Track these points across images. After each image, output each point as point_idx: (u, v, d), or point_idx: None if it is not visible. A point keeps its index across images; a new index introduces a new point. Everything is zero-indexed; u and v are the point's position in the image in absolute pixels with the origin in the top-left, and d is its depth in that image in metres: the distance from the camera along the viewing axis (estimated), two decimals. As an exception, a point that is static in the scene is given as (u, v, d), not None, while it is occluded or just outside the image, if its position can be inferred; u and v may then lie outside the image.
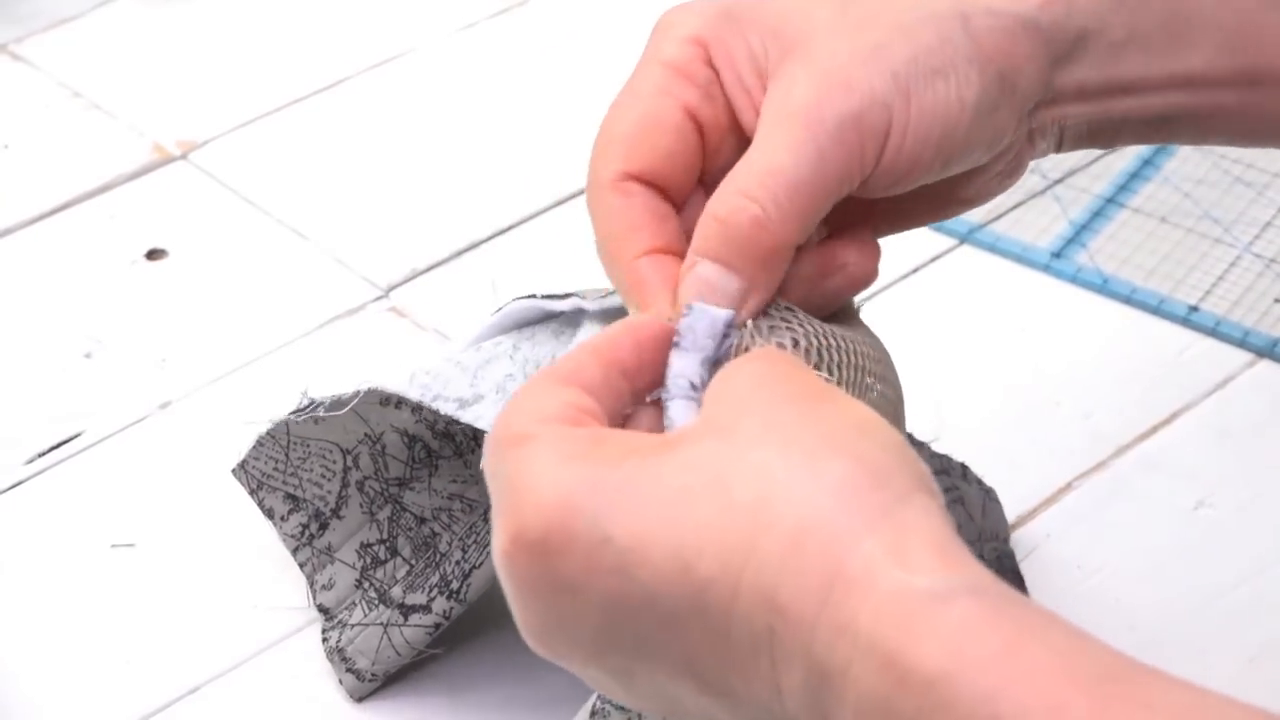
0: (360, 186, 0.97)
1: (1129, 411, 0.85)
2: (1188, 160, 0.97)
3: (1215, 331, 0.88)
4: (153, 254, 0.94)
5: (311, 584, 0.75)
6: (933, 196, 0.62)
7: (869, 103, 0.56)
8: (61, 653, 0.75)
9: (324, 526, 0.74)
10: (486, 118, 1.02)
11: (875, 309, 0.89)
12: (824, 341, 0.57)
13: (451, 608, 0.72)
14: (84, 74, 1.05)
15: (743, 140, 0.58)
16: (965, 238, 0.93)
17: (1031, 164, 0.63)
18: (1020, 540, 0.79)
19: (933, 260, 0.93)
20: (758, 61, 0.58)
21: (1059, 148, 0.63)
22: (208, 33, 1.08)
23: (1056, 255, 0.92)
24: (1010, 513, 0.79)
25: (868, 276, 0.60)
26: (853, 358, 0.58)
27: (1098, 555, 0.79)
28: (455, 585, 0.71)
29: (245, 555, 0.78)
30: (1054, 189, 0.96)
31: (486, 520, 0.72)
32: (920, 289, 0.91)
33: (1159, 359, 0.87)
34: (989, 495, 0.72)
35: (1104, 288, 0.91)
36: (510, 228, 0.94)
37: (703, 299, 0.56)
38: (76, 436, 0.84)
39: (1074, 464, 0.82)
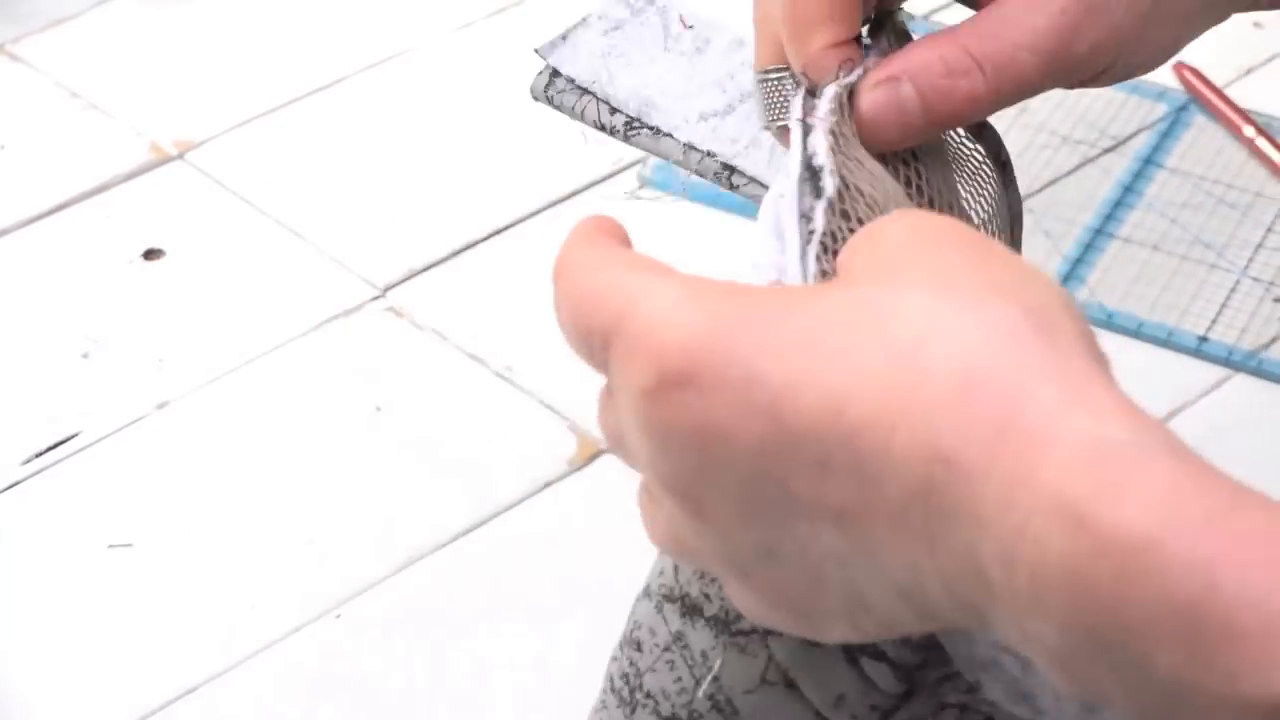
0: (358, 186, 0.97)
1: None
2: (1167, 185, 0.96)
3: (1229, 362, 0.87)
4: (150, 254, 0.94)
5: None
6: None
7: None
8: (60, 653, 0.75)
9: None
10: (484, 117, 1.01)
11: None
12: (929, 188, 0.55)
13: None
14: (82, 74, 1.05)
15: None
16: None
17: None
18: (1019, 540, 0.79)
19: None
20: None
21: None
22: (206, 33, 1.08)
23: (1057, 294, 0.91)
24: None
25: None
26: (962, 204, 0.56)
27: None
28: None
29: (243, 555, 0.78)
30: (1042, 223, 0.94)
31: None
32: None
33: (1176, 392, 0.87)
34: None
35: (1109, 323, 0.89)
36: (508, 227, 0.94)
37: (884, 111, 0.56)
38: (74, 437, 0.84)
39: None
